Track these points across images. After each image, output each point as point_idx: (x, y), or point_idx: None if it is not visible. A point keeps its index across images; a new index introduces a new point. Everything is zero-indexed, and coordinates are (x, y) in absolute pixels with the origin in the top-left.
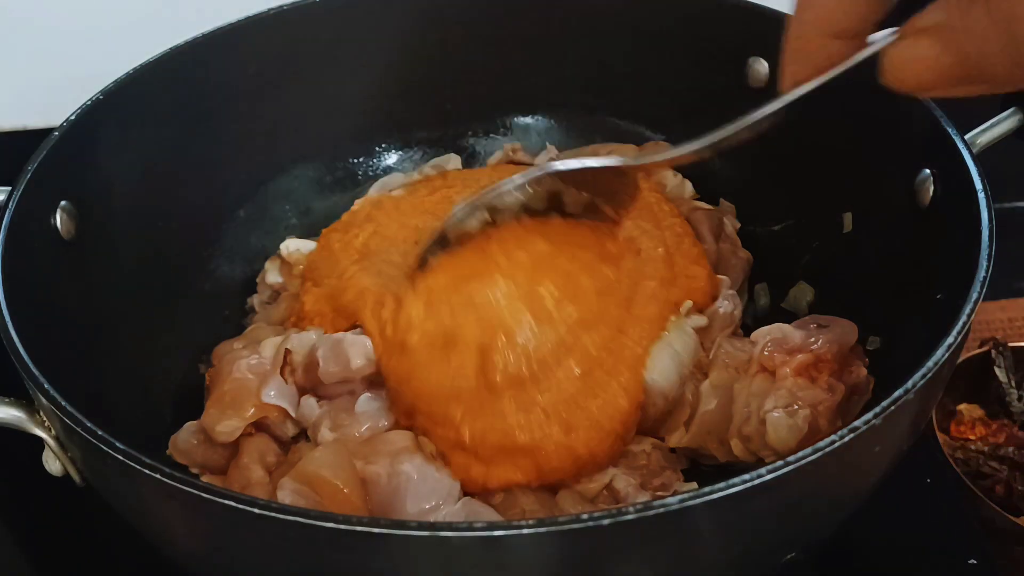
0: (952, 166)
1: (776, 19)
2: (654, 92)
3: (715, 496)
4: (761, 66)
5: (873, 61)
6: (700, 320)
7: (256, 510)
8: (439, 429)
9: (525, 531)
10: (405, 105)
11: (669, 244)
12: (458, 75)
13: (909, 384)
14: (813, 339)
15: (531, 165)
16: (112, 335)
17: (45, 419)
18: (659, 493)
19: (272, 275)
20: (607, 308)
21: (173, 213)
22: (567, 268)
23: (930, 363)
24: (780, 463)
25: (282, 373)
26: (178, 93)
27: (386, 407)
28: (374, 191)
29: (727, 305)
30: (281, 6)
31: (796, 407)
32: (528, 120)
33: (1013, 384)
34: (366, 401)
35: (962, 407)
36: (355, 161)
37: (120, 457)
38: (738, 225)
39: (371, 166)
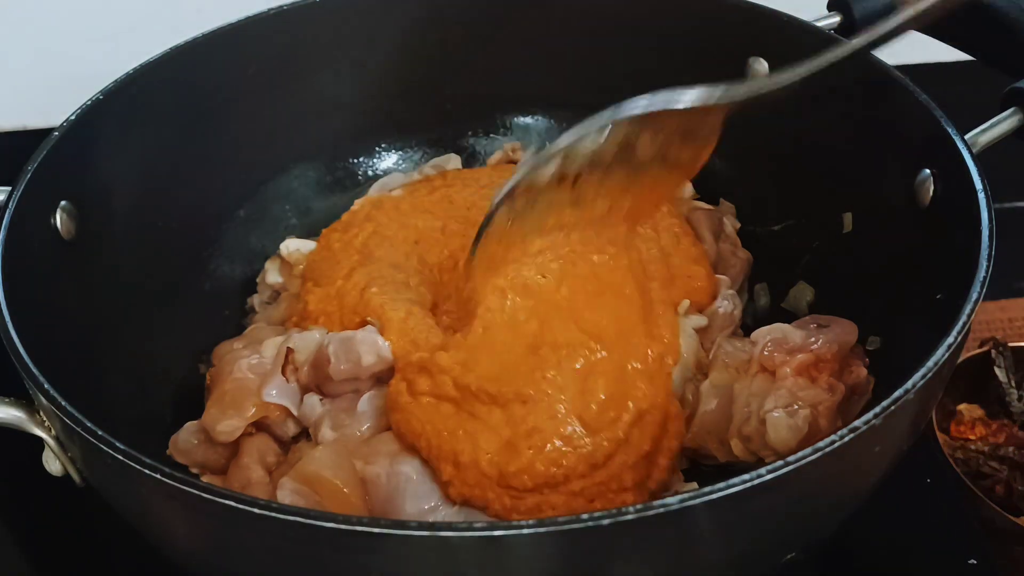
0: (952, 166)
1: (776, 19)
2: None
3: (715, 496)
4: (761, 66)
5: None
6: (700, 320)
7: (256, 510)
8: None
9: (525, 531)
10: (405, 105)
11: (667, 244)
12: (458, 75)
13: (909, 384)
14: (813, 339)
15: None
16: (112, 335)
17: (45, 419)
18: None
19: (272, 275)
20: (631, 340)
21: (173, 213)
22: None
23: (930, 363)
24: (780, 463)
25: (283, 372)
26: (178, 93)
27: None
28: (374, 191)
29: (727, 305)
30: (281, 6)
31: (796, 407)
32: (528, 120)
33: (1013, 384)
34: (367, 401)
35: (962, 407)
36: (355, 161)
37: (120, 457)
38: (738, 225)
39: (371, 166)
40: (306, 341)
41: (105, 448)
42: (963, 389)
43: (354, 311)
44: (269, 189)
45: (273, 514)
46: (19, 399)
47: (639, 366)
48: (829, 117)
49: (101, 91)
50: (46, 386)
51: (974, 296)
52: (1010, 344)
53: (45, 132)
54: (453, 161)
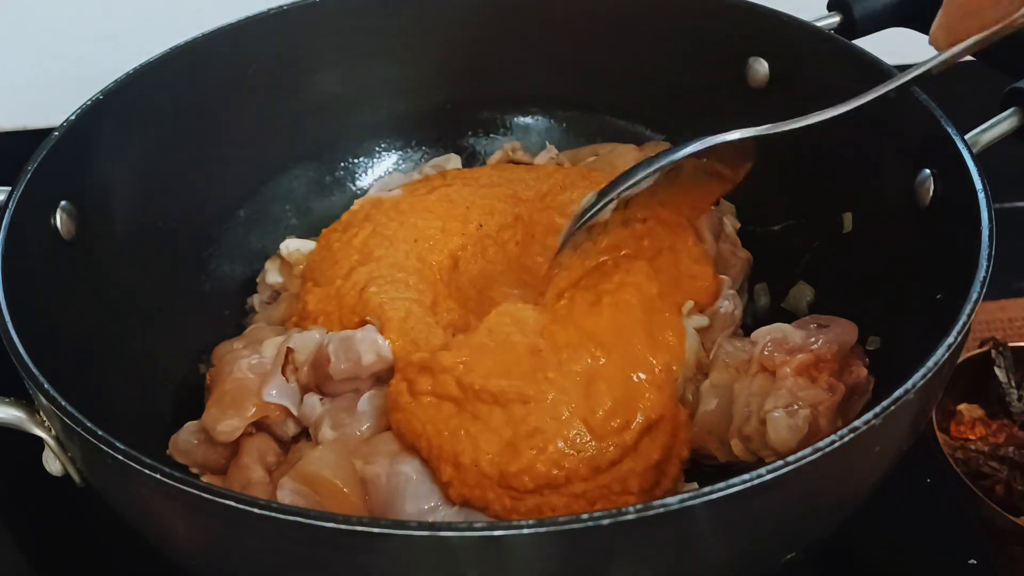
0: (952, 166)
1: (776, 19)
2: (654, 92)
3: (715, 496)
4: (761, 66)
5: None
6: (702, 320)
7: (256, 510)
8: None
9: (525, 531)
10: (405, 105)
11: (671, 244)
12: (458, 75)
13: (909, 384)
14: (813, 339)
15: (530, 164)
16: (112, 335)
17: (45, 419)
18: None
19: (272, 275)
20: (635, 348)
21: (173, 213)
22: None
23: (930, 363)
24: (780, 463)
25: (283, 372)
26: (178, 93)
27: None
28: (374, 191)
29: (727, 305)
30: (281, 6)
31: (796, 407)
32: (528, 120)
33: (1013, 384)
34: (367, 401)
35: (962, 407)
36: (355, 161)
37: (120, 457)
38: (738, 225)
39: (371, 166)
40: (306, 341)
41: (105, 448)
42: (963, 389)
43: (353, 311)
44: (269, 189)
45: (273, 514)
46: (19, 399)
47: (645, 376)
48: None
49: (101, 91)
50: (46, 386)
51: (974, 296)
52: (1010, 344)
53: (45, 132)
54: (453, 161)
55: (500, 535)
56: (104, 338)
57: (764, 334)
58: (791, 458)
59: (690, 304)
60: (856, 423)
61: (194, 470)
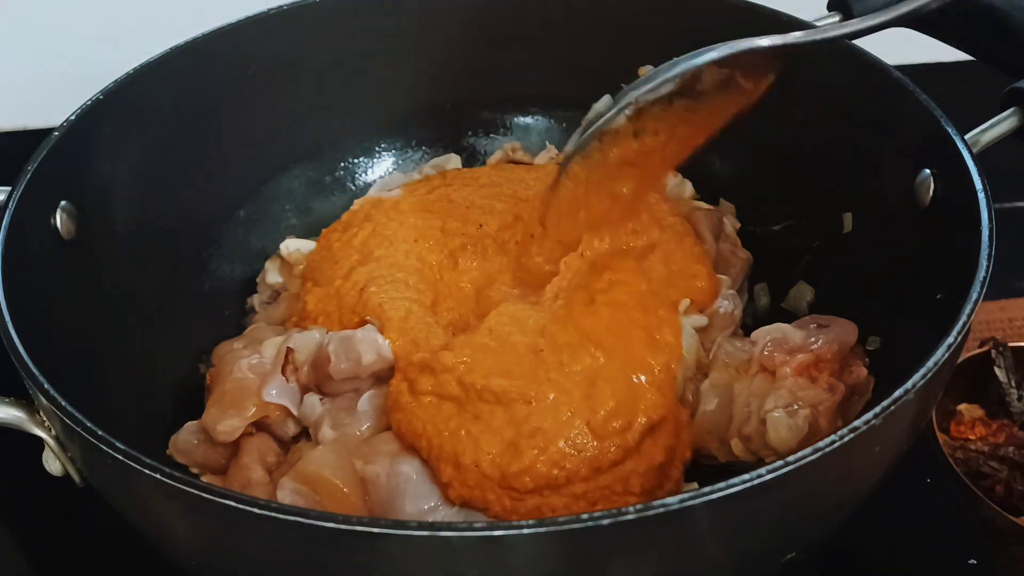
0: (952, 166)
1: (776, 19)
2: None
3: (715, 496)
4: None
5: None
6: (700, 320)
7: (256, 510)
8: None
9: (525, 531)
10: (405, 105)
11: (669, 243)
12: (458, 75)
13: (909, 384)
14: (813, 339)
15: (530, 164)
16: (112, 335)
17: (45, 419)
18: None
19: (272, 275)
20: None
21: (173, 213)
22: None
23: (930, 363)
24: (780, 463)
25: (283, 372)
26: (178, 93)
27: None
28: (374, 191)
29: (727, 305)
30: (281, 6)
31: (796, 407)
32: (528, 120)
33: (1013, 384)
34: (367, 400)
35: (962, 407)
36: (355, 161)
37: (120, 457)
38: (738, 225)
39: (371, 166)
40: (306, 341)
41: (105, 448)
42: (963, 389)
43: (353, 311)
44: (269, 189)
45: (273, 514)
46: (19, 399)
47: (646, 377)
48: (829, 117)
49: (101, 91)
50: (46, 386)
51: (974, 296)
52: (1010, 344)
53: (45, 132)
54: (453, 161)
55: (500, 535)
56: (104, 338)
57: (764, 334)
58: (791, 458)
59: (686, 303)
60: (856, 423)
61: (194, 470)
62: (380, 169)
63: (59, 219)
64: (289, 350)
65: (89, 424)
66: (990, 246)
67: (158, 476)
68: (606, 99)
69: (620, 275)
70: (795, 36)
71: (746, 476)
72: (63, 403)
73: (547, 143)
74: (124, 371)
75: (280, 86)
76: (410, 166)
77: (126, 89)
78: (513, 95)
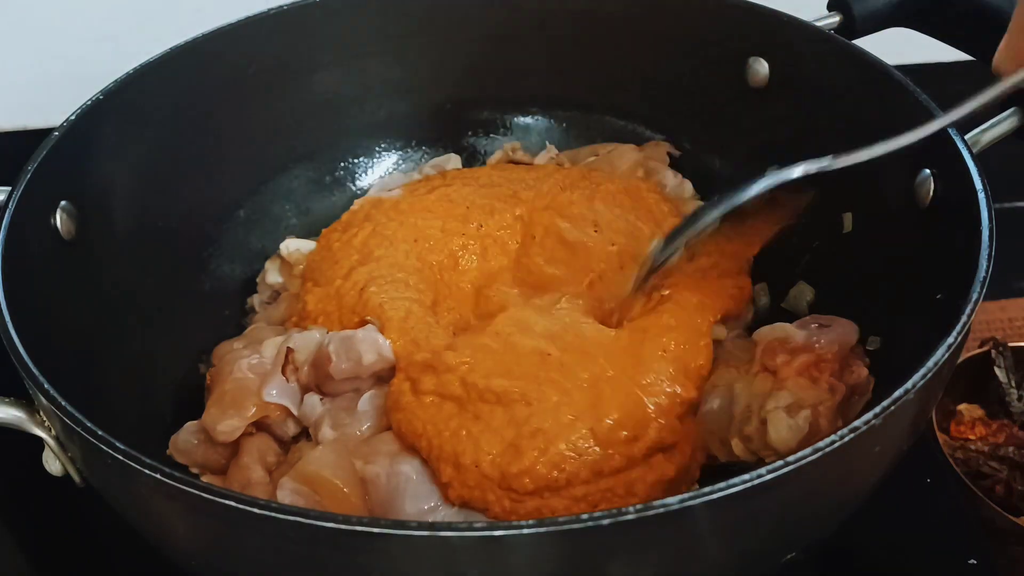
0: (952, 166)
1: (776, 19)
2: (654, 92)
3: (715, 496)
4: (761, 66)
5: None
6: (720, 331)
7: (256, 510)
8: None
9: (525, 531)
10: (405, 105)
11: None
12: (458, 75)
13: (909, 384)
14: (814, 339)
15: (530, 164)
16: (112, 335)
17: (45, 419)
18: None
19: (272, 275)
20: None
21: (173, 213)
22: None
23: (930, 363)
24: (780, 463)
25: (283, 372)
26: (178, 93)
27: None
28: (374, 191)
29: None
30: (281, 6)
31: (797, 407)
32: (528, 120)
33: (1013, 384)
34: (367, 400)
35: (962, 407)
36: (355, 161)
37: (120, 457)
38: None
39: (371, 166)
40: (306, 341)
41: (105, 448)
42: (963, 389)
43: (353, 311)
44: (269, 189)
45: (273, 514)
46: (19, 399)
47: (666, 402)
48: (829, 117)
49: (101, 91)
50: (46, 386)
51: (974, 296)
52: (1010, 344)
53: (45, 132)
54: (453, 161)
55: (500, 535)
56: (104, 338)
57: (765, 334)
58: (791, 458)
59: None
60: (856, 423)
61: (194, 470)
62: (380, 169)
63: (59, 219)
64: (289, 350)
65: (89, 424)
66: (990, 246)
67: (158, 476)
68: (657, 242)
69: (672, 289)
70: (824, 162)
71: (746, 476)
72: (63, 403)
73: (547, 143)
74: (124, 371)
75: (280, 86)
76: (410, 166)
77: (126, 89)
78: (513, 95)
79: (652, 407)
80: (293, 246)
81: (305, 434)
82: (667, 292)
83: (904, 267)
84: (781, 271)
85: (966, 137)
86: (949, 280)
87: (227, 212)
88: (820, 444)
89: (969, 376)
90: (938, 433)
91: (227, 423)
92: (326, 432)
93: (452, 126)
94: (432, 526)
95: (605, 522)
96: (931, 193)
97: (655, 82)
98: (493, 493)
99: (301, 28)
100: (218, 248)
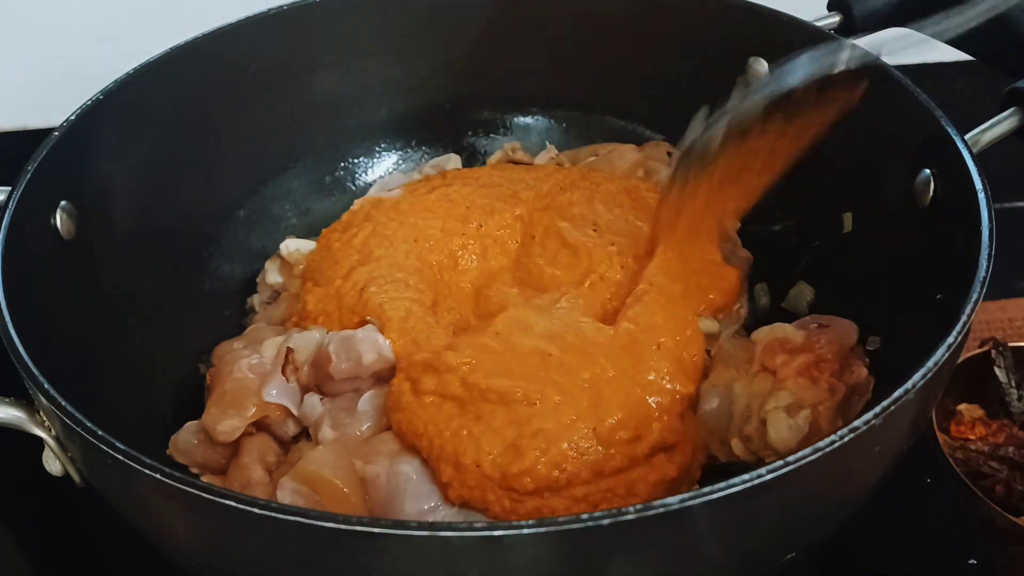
0: (952, 166)
1: (776, 19)
2: (654, 92)
3: (715, 496)
4: (761, 66)
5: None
6: (712, 325)
7: (256, 510)
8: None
9: (525, 531)
10: (405, 105)
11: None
12: (458, 75)
13: (909, 384)
14: (814, 339)
15: (530, 164)
16: (112, 335)
17: (45, 419)
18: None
19: (272, 275)
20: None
21: (173, 213)
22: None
23: (930, 363)
24: (780, 463)
25: (283, 372)
26: (178, 93)
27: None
28: (374, 191)
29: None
30: (281, 6)
31: (797, 407)
32: (528, 120)
33: (1013, 384)
34: (367, 400)
35: (962, 407)
36: (355, 161)
37: (120, 457)
38: (738, 225)
39: (371, 166)
40: (306, 341)
41: (105, 448)
42: (963, 389)
43: (353, 311)
44: (269, 189)
45: (273, 514)
46: (19, 399)
47: (666, 400)
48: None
49: (101, 91)
50: (46, 386)
51: (974, 296)
52: (1010, 344)
53: (45, 132)
54: (453, 161)
55: (500, 535)
56: (104, 338)
57: (765, 334)
58: (791, 458)
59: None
60: (856, 423)
61: (194, 470)
62: (380, 169)
63: (59, 219)
64: (289, 350)
65: (89, 424)
66: (990, 246)
67: (158, 476)
68: (698, 122)
69: (655, 279)
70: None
71: (746, 476)
72: (63, 403)
73: (547, 143)
74: (124, 371)
75: (280, 86)
76: (410, 166)
77: (126, 89)
78: (513, 95)
79: (654, 406)
80: (293, 246)
81: (305, 434)
82: (651, 281)
83: (904, 267)
84: (781, 271)
85: (966, 137)
86: (949, 280)
87: (227, 212)
88: (820, 444)
89: (969, 376)
90: (938, 433)
91: (227, 423)
92: (326, 432)
93: (452, 126)
94: (432, 526)
95: (605, 522)
96: (931, 193)
97: (655, 82)
98: (493, 493)
99: (301, 28)
100: (218, 248)
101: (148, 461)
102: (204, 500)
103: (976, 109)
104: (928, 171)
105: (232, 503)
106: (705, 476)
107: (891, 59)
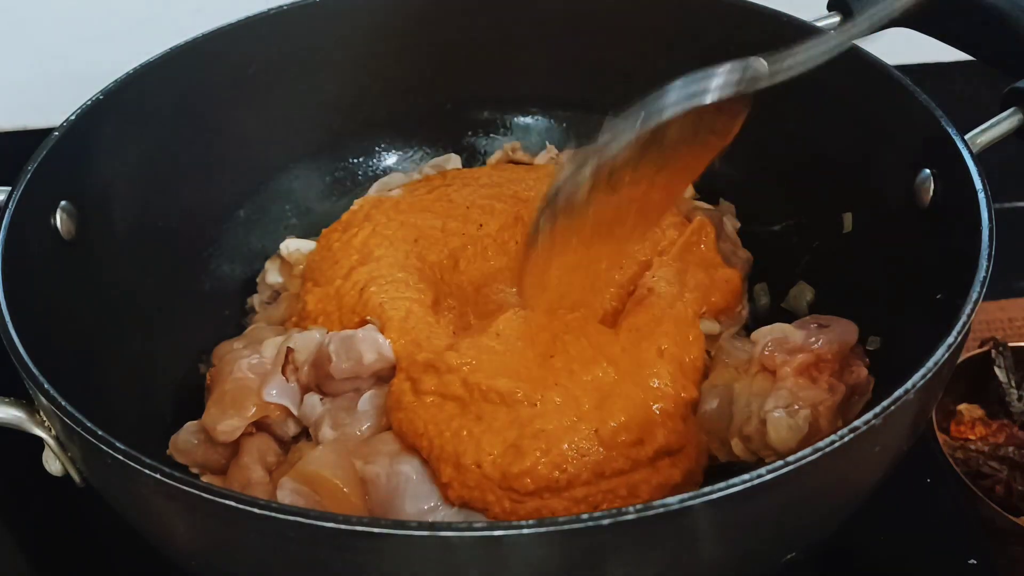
0: (952, 166)
1: (776, 19)
2: (654, 92)
3: (715, 496)
4: (761, 66)
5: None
6: (713, 327)
7: (256, 510)
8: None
9: (525, 531)
10: (405, 105)
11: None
12: (458, 75)
13: (909, 384)
14: (814, 339)
15: (530, 164)
16: (112, 335)
17: (45, 419)
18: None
19: (272, 275)
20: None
21: (173, 213)
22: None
23: (930, 363)
24: (780, 463)
25: (284, 372)
26: (178, 93)
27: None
28: (374, 191)
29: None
30: (281, 6)
31: (797, 407)
32: (528, 120)
33: (1013, 384)
34: (367, 400)
35: (962, 407)
36: (355, 161)
37: (120, 457)
38: (738, 225)
39: (371, 166)
40: (306, 341)
41: (105, 448)
42: (963, 389)
43: (353, 311)
44: (269, 189)
45: (273, 514)
46: (19, 399)
47: (670, 406)
48: (829, 117)
49: (101, 91)
50: (46, 386)
51: (974, 296)
52: (1010, 344)
53: (45, 132)
54: (453, 161)
55: (500, 535)
56: (104, 338)
57: (764, 334)
58: (791, 458)
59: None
60: (856, 423)
61: (194, 470)
62: (380, 169)
63: (59, 219)
64: (289, 350)
65: (89, 424)
66: (990, 246)
67: (158, 476)
68: (566, 167)
69: (656, 281)
70: (745, 72)
71: (746, 476)
72: (63, 403)
73: (547, 143)
74: (124, 371)
75: (280, 86)
76: (410, 166)
77: (126, 89)
78: (513, 95)
79: (658, 412)
80: (293, 246)
81: (305, 434)
82: (651, 286)
83: (904, 267)
84: (781, 271)
85: (966, 137)
86: (949, 280)
87: (227, 212)
88: (820, 444)
89: (969, 376)
90: (938, 433)
91: (227, 423)
92: (326, 432)
93: (452, 126)
94: (432, 526)
95: (605, 522)
96: (931, 193)
97: (656, 82)
98: (493, 493)
99: (301, 28)
100: (218, 248)
101: (148, 461)
102: (204, 500)
103: (976, 109)
104: (928, 171)
105: (232, 503)
106: (705, 477)
107: (891, 59)
